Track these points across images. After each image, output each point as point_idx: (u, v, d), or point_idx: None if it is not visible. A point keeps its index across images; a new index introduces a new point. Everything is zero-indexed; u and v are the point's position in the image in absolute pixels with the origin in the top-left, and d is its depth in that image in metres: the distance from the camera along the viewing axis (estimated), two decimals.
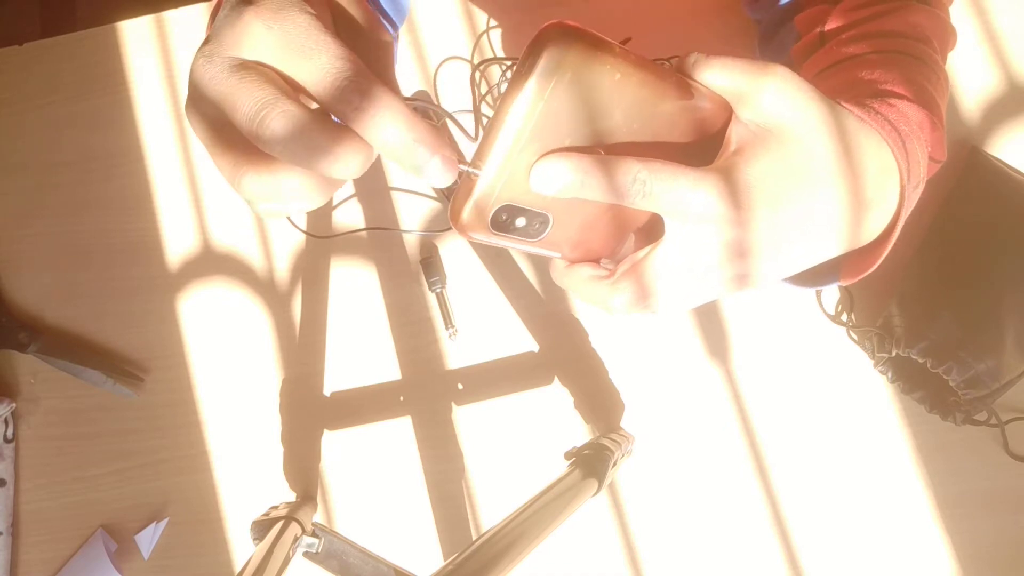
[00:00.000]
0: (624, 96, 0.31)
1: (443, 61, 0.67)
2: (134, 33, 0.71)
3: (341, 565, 0.54)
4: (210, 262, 0.66)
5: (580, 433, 0.61)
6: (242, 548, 0.62)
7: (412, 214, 0.65)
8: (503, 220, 0.32)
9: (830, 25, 0.44)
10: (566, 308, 0.63)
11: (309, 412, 0.64)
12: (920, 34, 0.41)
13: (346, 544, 0.55)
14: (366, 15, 0.35)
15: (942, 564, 0.57)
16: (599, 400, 0.62)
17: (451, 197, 0.32)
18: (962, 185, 0.59)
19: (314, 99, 0.29)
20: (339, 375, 0.64)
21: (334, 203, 0.66)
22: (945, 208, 0.59)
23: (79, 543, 0.63)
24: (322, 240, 0.65)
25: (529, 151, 0.30)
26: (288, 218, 0.65)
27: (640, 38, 0.51)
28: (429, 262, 0.64)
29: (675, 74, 0.32)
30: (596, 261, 0.35)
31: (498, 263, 0.64)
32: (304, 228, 0.66)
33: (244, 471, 0.63)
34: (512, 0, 0.67)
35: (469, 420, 0.62)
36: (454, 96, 0.67)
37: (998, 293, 0.55)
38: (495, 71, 0.65)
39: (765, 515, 0.59)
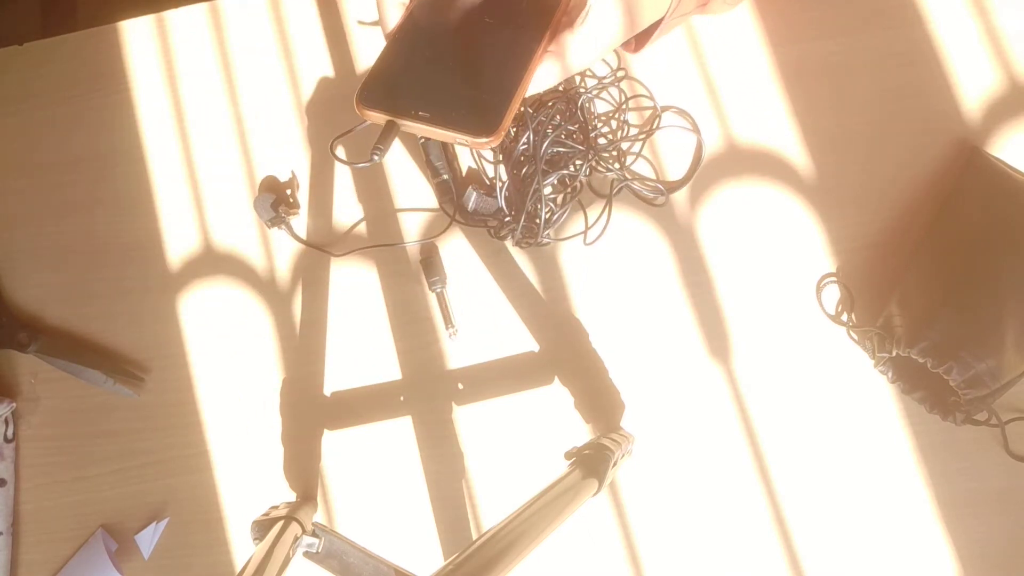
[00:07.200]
0: None
1: None
2: (135, 33, 0.71)
3: (341, 565, 0.54)
4: (210, 262, 0.66)
5: (580, 433, 0.61)
6: (242, 548, 0.62)
7: (412, 219, 0.65)
8: None
9: None
10: (566, 308, 0.63)
11: (309, 412, 0.64)
12: None
13: (346, 544, 0.55)
14: None
15: (943, 564, 0.57)
16: (599, 400, 0.62)
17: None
18: (962, 185, 0.59)
19: None
20: (339, 375, 0.64)
21: (336, 215, 0.66)
22: (945, 208, 0.59)
23: (79, 543, 0.63)
24: (322, 241, 0.65)
25: None
26: (292, 232, 0.65)
27: None
28: (429, 262, 0.64)
29: None
30: None
31: (498, 263, 0.64)
32: (308, 241, 0.66)
33: (244, 471, 0.63)
34: None
35: (469, 420, 0.62)
36: None
37: (998, 293, 0.55)
38: None
39: (765, 515, 0.59)
